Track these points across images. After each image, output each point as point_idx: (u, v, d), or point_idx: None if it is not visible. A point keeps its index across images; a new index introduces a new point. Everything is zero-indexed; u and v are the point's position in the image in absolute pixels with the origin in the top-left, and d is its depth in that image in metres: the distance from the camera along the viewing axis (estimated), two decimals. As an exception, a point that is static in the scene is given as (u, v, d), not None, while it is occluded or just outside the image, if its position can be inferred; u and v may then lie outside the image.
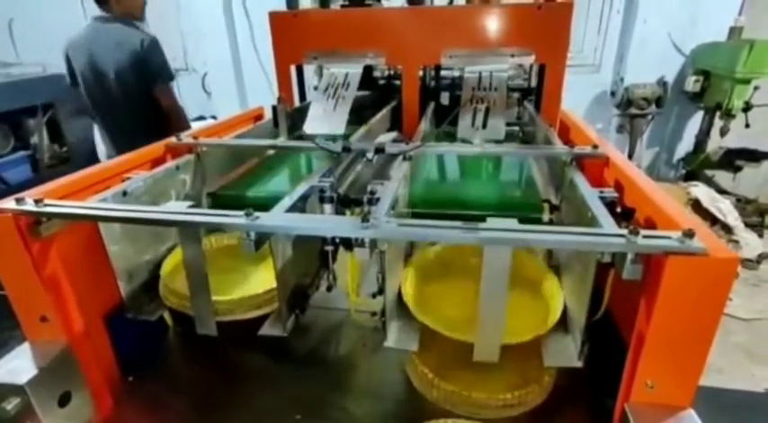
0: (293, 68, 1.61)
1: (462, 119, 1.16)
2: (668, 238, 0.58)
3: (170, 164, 1.03)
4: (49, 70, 3.56)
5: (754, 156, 3.52)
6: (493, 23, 1.39)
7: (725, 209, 3.18)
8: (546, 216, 0.96)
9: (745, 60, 3.00)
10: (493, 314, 0.70)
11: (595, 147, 0.97)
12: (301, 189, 0.82)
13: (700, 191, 3.28)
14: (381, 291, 0.79)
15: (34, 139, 3.35)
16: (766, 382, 2.08)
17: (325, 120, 1.20)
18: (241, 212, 0.67)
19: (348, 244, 0.67)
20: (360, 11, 1.59)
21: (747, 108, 3.21)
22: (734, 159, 3.54)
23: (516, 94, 1.75)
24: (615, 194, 0.80)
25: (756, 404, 1.44)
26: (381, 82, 1.93)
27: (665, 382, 0.65)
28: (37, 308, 0.77)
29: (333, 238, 0.80)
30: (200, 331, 0.81)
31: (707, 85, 3.43)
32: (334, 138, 1.10)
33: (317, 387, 0.93)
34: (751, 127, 3.29)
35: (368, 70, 1.74)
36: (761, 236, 3.32)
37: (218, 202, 1.11)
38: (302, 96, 1.67)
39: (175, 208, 0.74)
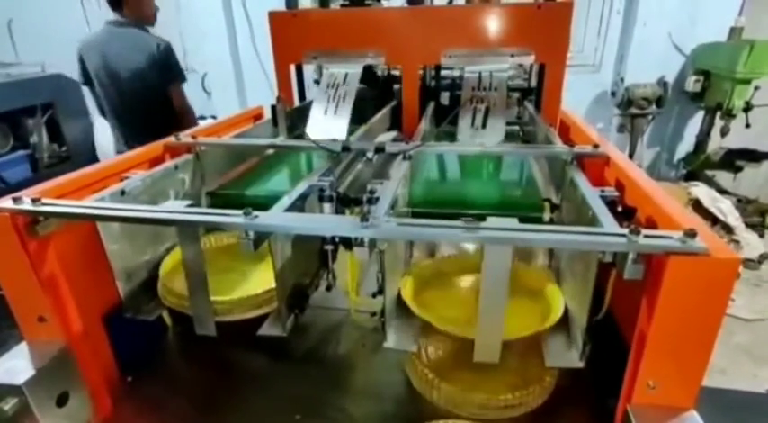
0: (293, 68, 1.61)
1: (462, 119, 1.15)
2: (670, 237, 0.58)
3: (169, 163, 1.03)
4: (48, 70, 3.56)
5: (754, 156, 3.52)
6: (493, 23, 1.39)
7: (725, 209, 3.18)
8: (547, 215, 0.96)
9: (745, 60, 3.00)
10: (493, 314, 0.69)
11: (596, 146, 0.97)
12: (301, 188, 0.81)
13: (700, 191, 3.27)
14: (381, 290, 0.78)
15: (33, 139, 3.35)
16: (768, 383, 2.08)
17: (326, 124, 1.20)
18: (240, 212, 0.66)
19: (348, 243, 0.66)
20: (359, 11, 1.59)
21: (748, 108, 3.21)
22: (734, 159, 3.54)
23: (516, 94, 1.75)
24: (616, 194, 0.80)
25: (759, 405, 1.43)
26: (382, 76, 1.91)
27: (668, 383, 0.64)
28: (35, 308, 0.77)
29: (332, 238, 0.80)
30: (199, 331, 0.81)
31: (707, 85, 3.43)
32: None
33: (317, 387, 0.93)
34: (751, 127, 3.29)
35: (369, 69, 1.74)
36: (761, 236, 3.31)
37: (218, 201, 1.11)
38: (302, 96, 1.67)
39: (174, 207, 0.73)
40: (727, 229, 3.13)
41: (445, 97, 1.73)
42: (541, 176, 1.17)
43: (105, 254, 0.84)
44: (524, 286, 0.91)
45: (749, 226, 3.28)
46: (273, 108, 1.37)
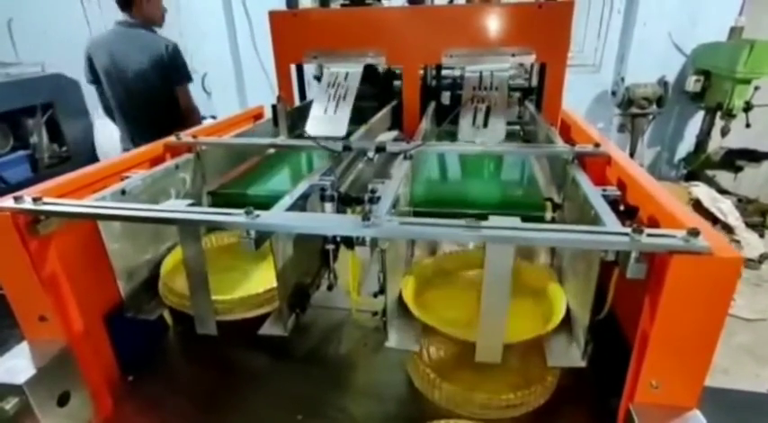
0: (293, 68, 1.61)
1: (463, 118, 1.15)
2: (673, 236, 0.57)
3: (169, 163, 1.03)
4: (47, 70, 3.56)
5: (754, 156, 3.52)
6: (493, 23, 1.39)
7: (726, 209, 3.18)
8: (548, 214, 0.95)
9: (745, 60, 2.99)
10: (495, 314, 0.69)
11: (597, 145, 0.97)
12: (302, 187, 0.81)
13: (701, 191, 3.27)
14: (383, 290, 0.78)
15: (34, 139, 3.35)
16: (770, 383, 2.07)
17: (326, 122, 1.20)
18: (241, 211, 0.66)
19: (349, 243, 0.66)
20: (360, 10, 1.59)
21: (748, 108, 3.21)
22: (735, 159, 3.53)
23: (517, 94, 1.75)
24: (618, 193, 0.80)
25: (762, 405, 1.43)
26: (383, 72, 1.90)
27: (671, 383, 0.64)
28: (36, 307, 0.77)
29: (334, 237, 0.80)
30: (200, 331, 0.81)
31: (707, 85, 3.43)
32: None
33: (318, 387, 0.92)
34: (752, 127, 3.29)
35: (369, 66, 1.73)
36: (762, 236, 3.31)
37: (219, 200, 1.11)
38: (302, 95, 1.67)
39: (175, 206, 0.73)
40: (728, 229, 3.13)
41: (446, 97, 1.72)
42: (543, 176, 1.17)
43: (106, 253, 0.84)
44: (526, 285, 0.91)
45: (749, 226, 3.27)
46: (274, 107, 1.37)
